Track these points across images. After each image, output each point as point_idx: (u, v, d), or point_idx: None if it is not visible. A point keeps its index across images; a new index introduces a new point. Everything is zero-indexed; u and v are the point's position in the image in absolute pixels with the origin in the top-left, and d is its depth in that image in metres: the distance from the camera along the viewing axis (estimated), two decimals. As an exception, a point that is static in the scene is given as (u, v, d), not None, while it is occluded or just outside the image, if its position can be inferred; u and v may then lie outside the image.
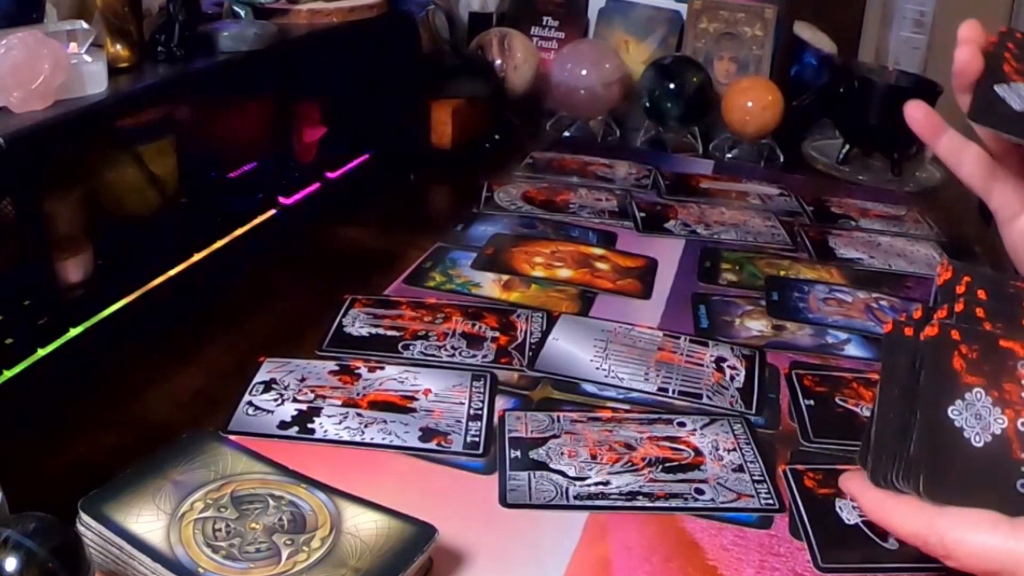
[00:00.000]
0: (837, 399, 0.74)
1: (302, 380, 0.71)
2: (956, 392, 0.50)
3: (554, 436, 0.67)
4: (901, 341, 0.52)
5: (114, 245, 0.78)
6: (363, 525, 0.54)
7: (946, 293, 0.53)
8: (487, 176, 1.15)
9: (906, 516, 0.50)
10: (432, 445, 0.65)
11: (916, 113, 0.64)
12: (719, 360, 0.78)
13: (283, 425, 0.66)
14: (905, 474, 0.50)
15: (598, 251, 0.97)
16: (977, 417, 0.49)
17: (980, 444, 0.49)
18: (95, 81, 0.70)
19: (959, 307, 0.51)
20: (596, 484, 0.63)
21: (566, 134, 1.34)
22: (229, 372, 0.72)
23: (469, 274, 0.90)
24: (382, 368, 0.73)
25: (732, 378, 0.76)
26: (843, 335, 0.84)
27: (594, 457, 0.65)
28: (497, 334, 0.80)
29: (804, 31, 1.39)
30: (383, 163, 1.12)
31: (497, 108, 1.29)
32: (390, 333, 0.78)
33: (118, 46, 0.74)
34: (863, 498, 0.52)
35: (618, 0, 1.42)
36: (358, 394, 0.70)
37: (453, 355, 0.76)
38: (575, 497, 0.61)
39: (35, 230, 0.69)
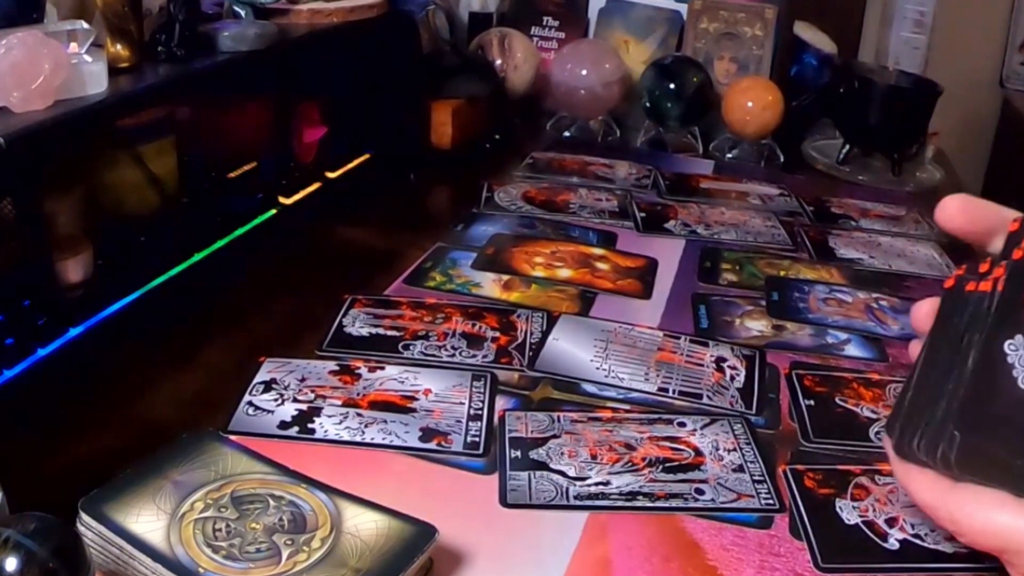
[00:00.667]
0: (837, 399, 0.74)
1: (302, 380, 0.71)
2: (1020, 326, 0.46)
3: (554, 436, 0.67)
4: (961, 297, 0.49)
5: (114, 245, 0.78)
6: (363, 525, 0.54)
7: (1009, 243, 0.48)
8: (487, 176, 1.15)
9: (923, 486, 0.51)
10: (432, 445, 0.65)
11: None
12: (719, 360, 0.78)
13: (283, 425, 0.66)
14: (932, 440, 0.48)
15: (598, 251, 0.97)
16: None
17: None
18: (95, 81, 0.70)
19: (1018, 254, 0.47)
20: (596, 484, 0.63)
21: (566, 134, 1.34)
22: (229, 372, 0.72)
23: (469, 274, 0.90)
24: (382, 368, 0.73)
25: (732, 378, 0.76)
26: (843, 335, 0.84)
27: (594, 457, 0.65)
28: (497, 334, 0.80)
29: (804, 31, 1.39)
30: (383, 163, 1.12)
31: (497, 108, 1.29)
32: (390, 333, 0.78)
33: (118, 46, 0.74)
34: (893, 459, 0.53)
35: (618, 0, 1.42)
36: (358, 394, 0.70)
37: (453, 355, 0.76)
38: (575, 497, 0.61)
39: (35, 230, 0.69)
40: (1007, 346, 0.46)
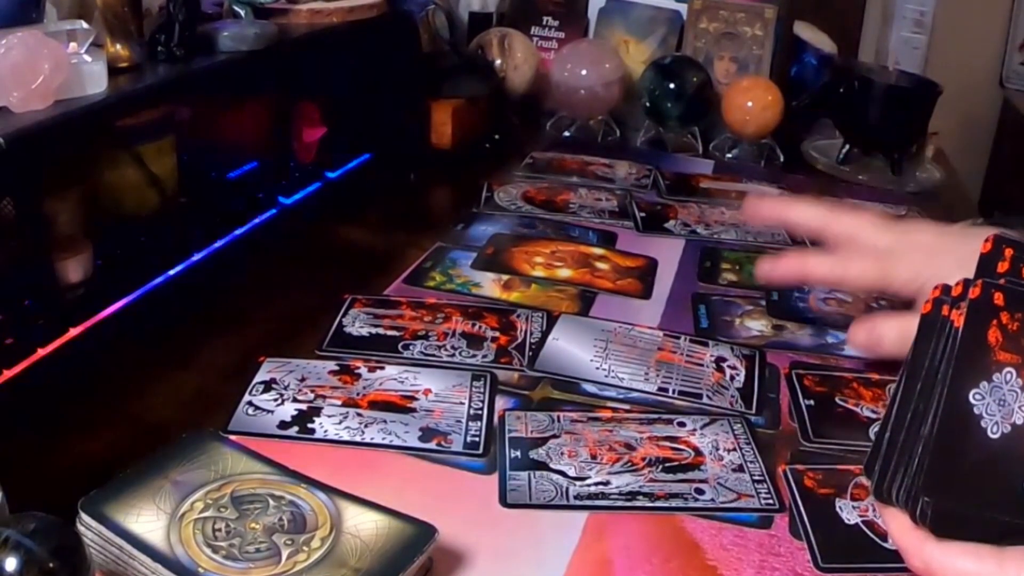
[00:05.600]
0: (837, 399, 0.74)
1: (302, 380, 0.71)
2: (984, 372, 0.43)
3: (554, 436, 0.67)
4: (937, 324, 0.45)
5: (114, 245, 0.78)
6: (363, 525, 0.54)
7: (985, 266, 0.45)
8: (487, 176, 1.14)
9: (902, 528, 0.50)
10: (432, 445, 0.65)
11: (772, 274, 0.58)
12: (719, 360, 0.78)
13: (283, 425, 0.66)
14: (907, 494, 0.46)
15: (598, 251, 0.97)
16: (1000, 403, 0.43)
17: (996, 435, 0.43)
18: (95, 81, 0.70)
19: (1004, 266, 0.44)
20: (596, 484, 0.63)
21: (566, 134, 1.34)
22: (229, 372, 0.72)
23: (469, 274, 0.90)
24: (382, 368, 0.73)
25: (732, 378, 0.76)
26: (843, 335, 0.84)
27: (594, 457, 0.65)
28: (497, 334, 0.79)
29: (804, 31, 1.39)
30: (383, 163, 1.12)
31: (497, 108, 1.29)
32: (390, 333, 0.78)
33: (118, 46, 0.74)
34: (873, 496, 0.52)
35: (618, 0, 1.42)
36: (358, 394, 0.70)
37: (453, 355, 0.76)
38: (575, 497, 0.61)
39: (35, 230, 0.69)
40: (972, 396, 0.43)
